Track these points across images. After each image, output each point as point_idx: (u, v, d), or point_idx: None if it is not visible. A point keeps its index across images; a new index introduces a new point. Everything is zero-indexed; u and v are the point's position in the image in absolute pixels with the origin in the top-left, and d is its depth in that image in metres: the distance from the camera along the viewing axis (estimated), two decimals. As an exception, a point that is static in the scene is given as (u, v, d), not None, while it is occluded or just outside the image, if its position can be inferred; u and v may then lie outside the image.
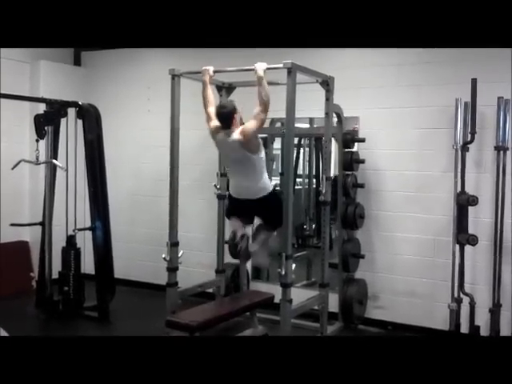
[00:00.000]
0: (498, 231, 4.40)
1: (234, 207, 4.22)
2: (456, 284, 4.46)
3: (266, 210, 4.09)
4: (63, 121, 5.07)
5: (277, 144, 5.81)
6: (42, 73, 6.07)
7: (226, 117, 3.95)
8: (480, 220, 4.51)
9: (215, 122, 4.06)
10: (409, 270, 4.83)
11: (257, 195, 4.01)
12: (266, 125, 5.57)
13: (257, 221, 4.27)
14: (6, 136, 5.65)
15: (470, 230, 4.40)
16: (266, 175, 4.06)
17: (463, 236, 4.37)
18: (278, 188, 5.55)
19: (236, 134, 3.90)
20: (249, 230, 4.27)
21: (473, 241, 4.34)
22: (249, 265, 5.44)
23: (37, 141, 4.88)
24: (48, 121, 4.97)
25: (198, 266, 5.51)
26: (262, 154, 4.01)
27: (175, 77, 4.37)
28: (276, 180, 5.77)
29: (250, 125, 3.85)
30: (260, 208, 4.07)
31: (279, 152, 5.82)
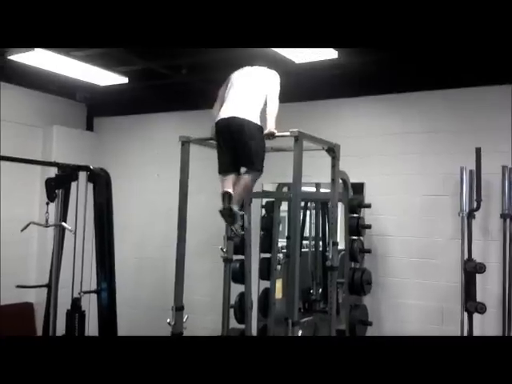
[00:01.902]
0: (507, 299, 4.35)
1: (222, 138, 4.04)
2: (465, 353, 4.38)
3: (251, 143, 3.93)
4: (73, 184, 5.16)
5: (283, 206, 5.85)
6: (55, 137, 6.23)
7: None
8: (488, 288, 4.47)
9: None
10: (417, 338, 4.75)
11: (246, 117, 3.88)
12: (273, 189, 5.69)
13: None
14: (16, 198, 5.74)
15: (478, 298, 4.36)
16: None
17: (471, 304, 4.33)
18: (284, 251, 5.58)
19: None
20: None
21: (481, 309, 4.30)
22: (254, 329, 5.38)
23: (47, 204, 4.93)
24: (59, 184, 5.04)
25: (203, 330, 5.43)
26: None
27: (185, 143, 4.48)
28: (282, 242, 5.80)
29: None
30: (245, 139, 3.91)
31: (285, 214, 5.86)
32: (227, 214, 4.02)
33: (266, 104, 3.98)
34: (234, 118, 3.90)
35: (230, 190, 3.97)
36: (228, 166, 4.04)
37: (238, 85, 4.09)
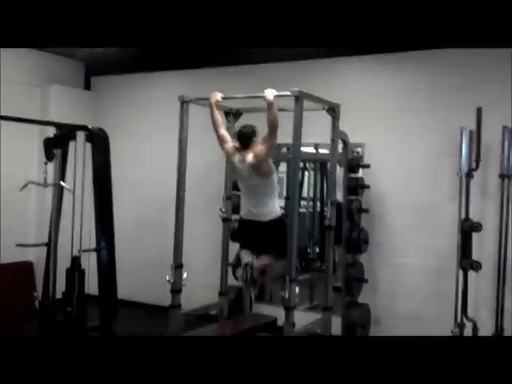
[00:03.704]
0: (502, 258, 4.41)
1: (242, 230, 4.31)
2: (459, 309, 4.47)
3: (271, 234, 4.14)
4: (72, 143, 5.14)
5: (282, 167, 5.86)
6: (53, 97, 6.18)
7: (248, 136, 4.09)
8: (484, 246, 4.53)
9: (231, 143, 4.18)
10: (412, 295, 4.84)
11: (264, 218, 4.10)
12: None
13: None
14: (14, 158, 5.73)
15: (474, 257, 4.42)
16: (275, 200, 4.17)
17: (467, 262, 4.39)
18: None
19: (249, 158, 4.00)
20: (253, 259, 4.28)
21: (476, 267, 4.36)
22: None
23: (45, 163, 4.93)
24: (57, 144, 5.02)
25: (202, 288, 5.51)
26: (274, 177, 4.11)
27: (184, 103, 4.46)
28: (281, 203, 5.82)
29: (261, 149, 3.95)
30: (266, 232, 4.13)
31: (284, 175, 5.87)
32: (250, 282, 4.25)
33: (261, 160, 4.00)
34: (255, 222, 4.15)
35: (251, 260, 4.20)
36: (248, 246, 4.31)
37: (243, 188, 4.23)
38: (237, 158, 4.13)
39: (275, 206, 4.17)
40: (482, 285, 4.55)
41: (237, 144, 4.18)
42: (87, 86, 6.74)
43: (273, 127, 3.87)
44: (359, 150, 5.13)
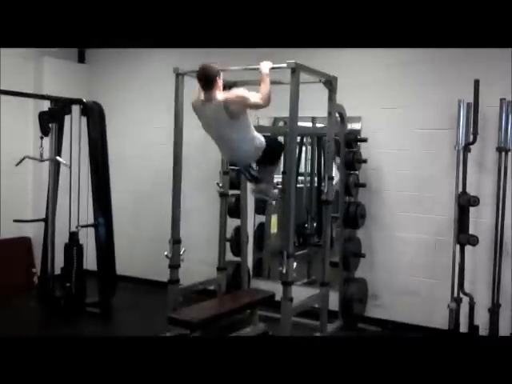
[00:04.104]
0: (499, 232, 4.42)
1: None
2: (456, 284, 4.49)
3: (266, 159, 4.10)
4: (67, 118, 5.10)
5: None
6: (46, 70, 6.10)
7: (208, 76, 3.78)
8: (481, 221, 4.53)
9: (197, 92, 3.98)
10: (409, 270, 4.86)
11: (248, 161, 4.02)
12: (269, 124, 5.65)
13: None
14: (9, 133, 5.69)
15: (471, 231, 4.42)
16: (255, 134, 3.95)
17: (464, 236, 4.40)
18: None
19: (219, 96, 3.79)
20: None
21: (473, 241, 4.37)
22: (250, 262, 5.48)
23: (41, 138, 4.91)
24: (52, 118, 4.99)
25: (200, 263, 5.53)
26: (246, 116, 3.86)
27: (179, 75, 4.40)
28: (278, 178, 5.81)
29: (245, 93, 3.76)
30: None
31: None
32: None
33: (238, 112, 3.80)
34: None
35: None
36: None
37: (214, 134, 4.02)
38: (202, 101, 3.87)
39: (258, 143, 3.94)
40: (478, 259, 4.56)
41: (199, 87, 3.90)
42: (81, 59, 6.65)
43: (264, 101, 3.75)
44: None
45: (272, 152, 4.11)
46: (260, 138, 3.99)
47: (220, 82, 3.85)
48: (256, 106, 3.81)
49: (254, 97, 3.76)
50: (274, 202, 5.18)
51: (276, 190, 4.39)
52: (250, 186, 4.60)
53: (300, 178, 5.91)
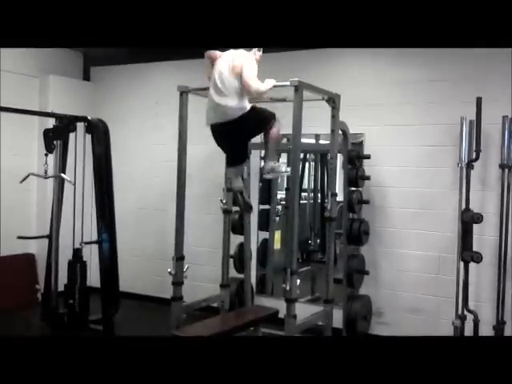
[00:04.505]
0: (503, 249, 4.41)
1: (218, 139, 4.16)
2: (460, 301, 4.47)
3: (248, 130, 4.08)
4: (72, 135, 5.13)
5: (282, 159, 5.85)
6: (52, 87, 6.16)
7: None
8: (484, 238, 4.53)
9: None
10: (413, 287, 4.84)
11: (235, 113, 3.94)
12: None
13: None
14: (14, 150, 5.73)
15: (475, 248, 4.41)
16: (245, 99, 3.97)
17: (468, 253, 4.39)
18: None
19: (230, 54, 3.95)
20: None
21: (477, 258, 4.36)
22: (253, 279, 5.47)
23: (46, 155, 4.93)
24: (57, 135, 5.02)
25: (203, 280, 5.52)
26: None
27: (183, 93, 4.44)
28: (281, 194, 5.83)
29: (248, 67, 3.84)
30: (241, 130, 4.02)
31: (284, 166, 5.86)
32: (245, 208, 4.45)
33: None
34: (222, 123, 3.96)
35: (241, 186, 4.41)
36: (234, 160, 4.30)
37: (214, 82, 4.02)
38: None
39: (245, 102, 3.97)
40: (482, 276, 4.55)
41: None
42: (86, 77, 6.72)
43: (254, 89, 3.82)
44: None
45: (257, 122, 4.08)
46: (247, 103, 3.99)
47: None
48: (246, 84, 3.84)
49: (251, 78, 3.81)
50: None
51: (284, 166, 4.45)
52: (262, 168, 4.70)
53: (303, 194, 5.92)
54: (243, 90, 3.89)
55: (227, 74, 3.92)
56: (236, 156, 4.30)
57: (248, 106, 3.99)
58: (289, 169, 4.43)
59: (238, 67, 3.88)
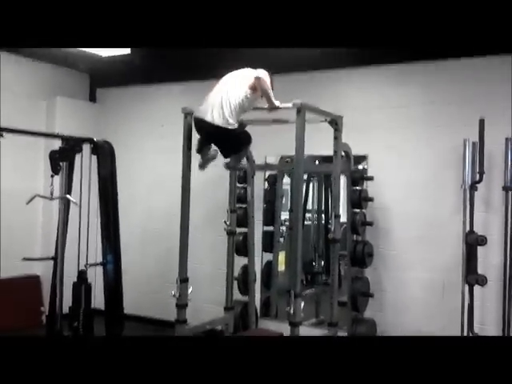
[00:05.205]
0: (508, 271, 4.39)
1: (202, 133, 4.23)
2: (465, 324, 4.44)
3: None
4: (78, 156, 5.17)
5: (286, 179, 5.86)
6: (58, 109, 6.23)
7: None
8: (489, 260, 4.50)
9: None
10: (418, 310, 4.81)
11: (223, 122, 3.97)
12: (276, 161, 5.69)
13: None
14: (21, 171, 5.77)
15: (479, 270, 4.39)
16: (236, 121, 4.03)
17: (472, 276, 4.37)
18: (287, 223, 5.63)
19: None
20: None
21: (482, 281, 4.34)
22: (257, 301, 5.45)
23: (51, 176, 4.96)
24: (63, 157, 5.05)
25: (207, 302, 5.51)
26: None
27: (188, 115, 4.47)
28: (285, 215, 5.83)
29: (268, 93, 4.00)
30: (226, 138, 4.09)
31: (288, 187, 5.87)
32: None
33: (248, 100, 4.03)
34: (203, 120, 4.03)
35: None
36: (201, 149, 4.36)
37: (217, 87, 4.14)
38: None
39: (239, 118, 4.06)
40: (487, 299, 4.52)
41: None
42: (92, 98, 6.80)
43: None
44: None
45: (237, 142, 4.21)
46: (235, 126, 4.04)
47: None
48: (266, 97, 4.01)
49: (271, 93, 4.00)
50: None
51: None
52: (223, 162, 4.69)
53: (307, 215, 5.92)
54: (248, 103, 4.01)
55: (238, 86, 4.01)
56: (204, 148, 4.36)
57: (237, 123, 4.06)
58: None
59: (255, 82, 3.99)
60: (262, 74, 4.01)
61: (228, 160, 4.55)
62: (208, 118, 4.00)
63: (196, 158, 4.57)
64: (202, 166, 4.42)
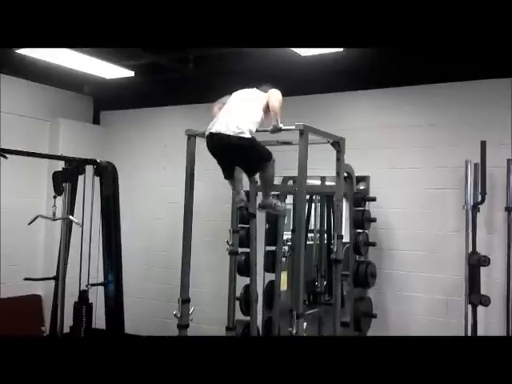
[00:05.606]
0: (511, 292, 4.37)
1: (217, 148, 4.08)
2: (469, 345, 4.41)
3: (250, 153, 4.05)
4: (81, 177, 5.19)
5: (288, 200, 5.87)
6: (62, 131, 6.28)
7: None
8: (492, 280, 4.49)
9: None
10: (421, 330, 4.78)
11: (240, 133, 3.90)
12: (278, 182, 5.71)
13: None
14: (23, 192, 5.80)
15: (482, 291, 4.38)
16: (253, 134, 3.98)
17: (475, 297, 4.36)
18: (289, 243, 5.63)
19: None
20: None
21: (485, 301, 4.32)
22: (259, 321, 5.42)
23: (54, 197, 4.98)
24: (66, 178, 5.08)
25: (209, 322, 5.48)
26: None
27: (191, 137, 4.50)
28: (287, 235, 5.83)
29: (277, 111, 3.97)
30: (243, 150, 4.00)
31: (291, 207, 5.89)
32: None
33: (263, 112, 4.07)
34: (219, 133, 3.93)
35: (241, 195, 4.42)
36: (228, 173, 4.27)
37: (230, 103, 4.15)
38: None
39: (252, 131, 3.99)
40: (491, 319, 4.50)
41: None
42: (96, 121, 6.85)
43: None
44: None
45: (258, 154, 4.10)
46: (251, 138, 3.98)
47: None
48: (274, 117, 3.98)
49: (279, 114, 3.98)
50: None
51: (283, 204, 4.52)
52: (257, 202, 4.68)
53: (310, 235, 5.92)
54: (261, 120, 4.04)
55: (253, 101, 4.07)
56: (229, 171, 4.30)
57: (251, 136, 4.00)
58: (283, 204, 4.55)
59: (268, 97, 4.04)
60: (277, 92, 4.06)
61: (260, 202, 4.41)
62: (224, 130, 3.93)
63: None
64: (237, 192, 4.45)
